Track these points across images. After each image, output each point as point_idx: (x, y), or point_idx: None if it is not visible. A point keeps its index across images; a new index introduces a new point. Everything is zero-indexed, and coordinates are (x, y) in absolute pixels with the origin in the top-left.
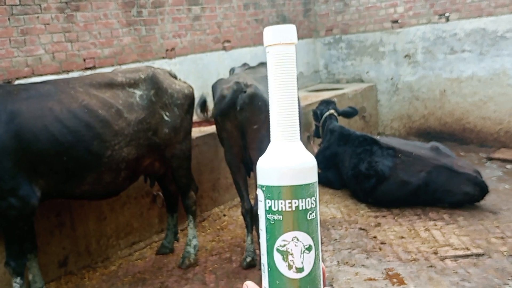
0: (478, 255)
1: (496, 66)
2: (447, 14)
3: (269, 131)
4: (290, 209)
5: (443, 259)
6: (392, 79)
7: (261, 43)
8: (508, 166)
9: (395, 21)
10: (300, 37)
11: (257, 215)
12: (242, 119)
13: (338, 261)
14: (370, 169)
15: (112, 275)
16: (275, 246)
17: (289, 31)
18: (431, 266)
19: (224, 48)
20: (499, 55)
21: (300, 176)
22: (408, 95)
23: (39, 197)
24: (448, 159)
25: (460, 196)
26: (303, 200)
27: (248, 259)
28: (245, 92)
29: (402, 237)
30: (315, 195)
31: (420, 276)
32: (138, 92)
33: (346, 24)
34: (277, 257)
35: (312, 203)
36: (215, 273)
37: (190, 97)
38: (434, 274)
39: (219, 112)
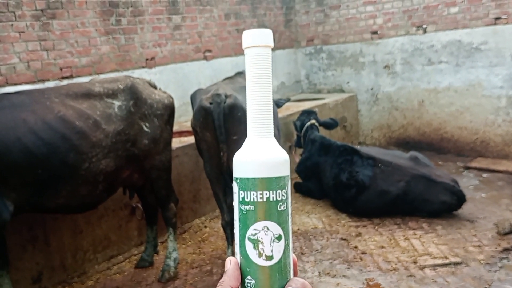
0: (456, 263)
1: (472, 77)
2: (424, 26)
3: None
4: (261, 200)
5: (422, 268)
6: (372, 89)
7: (243, 53)
8: (484, 175)
9: (375, 32)
10: (281, 47)
11: None
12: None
13: (319, 272)
14: (351, 179)
15: None
16: (247, 235)
17: (266, 34)
18: (410, 276)
19: (205, 58)
20: (474, 67)
21: (272, 169)
22: (388, 105)
23: (11, 211)
24: (426, 169)
25: (438, 205)
26: (274, 191)
27: None
28: (225, 103)
29: (382, 247)
30: (286, 188)
31: (400, 286)
32: (116, 103)
33: (327, 34)
34: (248, 245)
35: (283, 195)
36: (196, 286)
37: (170, 107)
38: (414, 283)
39: (201, 124)
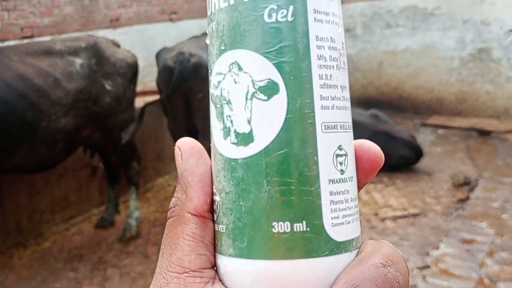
0: (415, 215)
1: (427, 40)
2: None
3: None
4: (226, 4)
5: (383, 220)
6: None
7: None
8: (440, 131)
9: None
10: None
11: None
12: (186, 88)
13: None
14: None
15: (45, 252)
16: (210, 95)
17: None
18: (372, 227)
19: (171, 20)
20: (429, 30)
21: None
22: (349, 67)
23: None
24: (386, 125)
25: (398, 159)
26: None
27: None
28: (189, 61)
29: None
30: None
31: (361, 237)
32: (78, 61)
33: None
34: (212, 116)
35: None
36: (157, 244)
37: (134, 66)
38: (375, 235)
39: (166, 84)
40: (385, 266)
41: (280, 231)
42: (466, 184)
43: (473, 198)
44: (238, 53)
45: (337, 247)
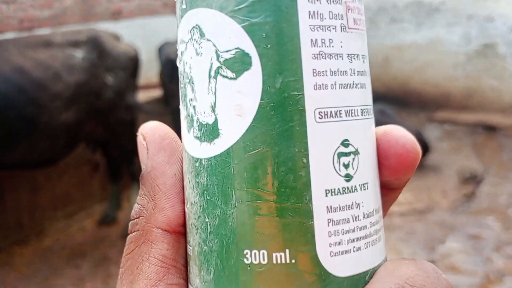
0: (421, 211)
1: (432, 35)
2: None
3: None
4: None
5: (389, 215)
6: None
7: None
8: (446, 127)
9: None
10: None
11: None
12: None
13: None
14: None
15: (47, 250)
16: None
17: None
18: None
19: (174, 13)
20: (434, 25)
21: None
22: None
23: None
24: (392, 121)
25: None
26: None
27: None
28: None
29: None
30: None
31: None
32: (79, 54)
33: None
34: (180, 97)
35: None
36: None
37: (136, 60)
38: None
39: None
40: None
41: (255, 262)
42: (472, 180)
43: (479, 193)
44: (200, 13)
45: (339, 286)
